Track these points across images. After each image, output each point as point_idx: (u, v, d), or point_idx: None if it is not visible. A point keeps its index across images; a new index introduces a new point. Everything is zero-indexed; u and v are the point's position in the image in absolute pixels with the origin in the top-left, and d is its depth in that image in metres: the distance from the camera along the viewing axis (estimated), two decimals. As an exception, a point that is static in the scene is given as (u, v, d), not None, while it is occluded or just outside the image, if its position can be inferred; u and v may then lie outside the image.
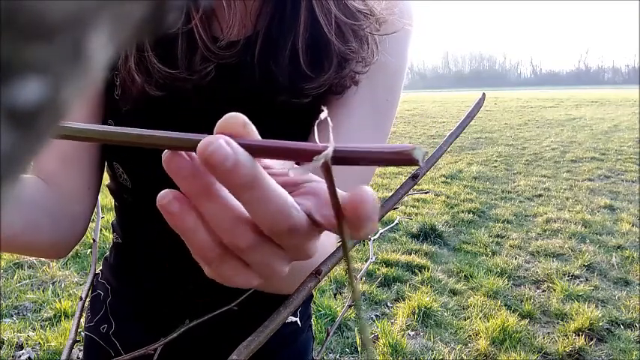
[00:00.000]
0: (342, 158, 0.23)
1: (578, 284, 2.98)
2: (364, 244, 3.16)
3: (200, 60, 0.54)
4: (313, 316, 2.36)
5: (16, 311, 2.47)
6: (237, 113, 0.24)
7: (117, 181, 0.63)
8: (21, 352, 2.13)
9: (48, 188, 0.55)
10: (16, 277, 2.77)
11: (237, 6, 0.55)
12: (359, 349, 2.28)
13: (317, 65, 0.56)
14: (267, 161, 0.27)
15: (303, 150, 0.23)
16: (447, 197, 4.82)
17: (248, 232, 0.25)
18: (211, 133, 0.24)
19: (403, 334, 2.40)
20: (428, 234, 3.69)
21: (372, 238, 0.96)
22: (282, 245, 0.27)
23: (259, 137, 0.25)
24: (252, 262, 0.27)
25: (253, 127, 0.24)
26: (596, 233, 3.85)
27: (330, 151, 0.22)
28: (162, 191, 0.25)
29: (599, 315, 2.57)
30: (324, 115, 0.24)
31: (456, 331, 2.47)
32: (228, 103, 0.58)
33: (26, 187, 0.53)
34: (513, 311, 2.65)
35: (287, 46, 0.55)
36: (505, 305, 2.72)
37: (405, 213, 4.21)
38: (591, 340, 2.39)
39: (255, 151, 0.24)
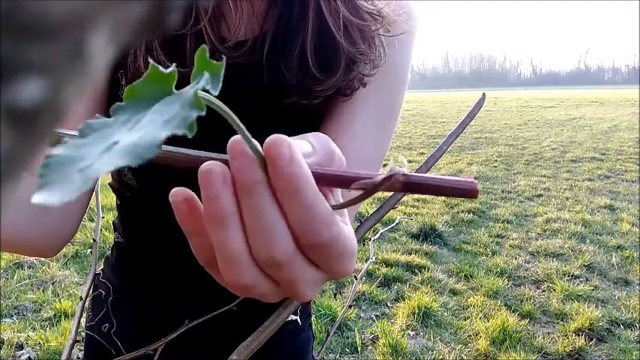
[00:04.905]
0: (413, 184, 0.24)
1: (578, 284, 2.98)
2: (364, 244, 3.17)
3: None
4: (313, 315, 2.36)
5: (16, 311, 2.47)
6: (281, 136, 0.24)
7: (120, 180, 0.63)
8: (21, 352, 2.13)
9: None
10: (16, 277, 2.77)
11: (243, 7, 0.55)
12: (359, 349, 2.28)
13: (326, 67, 0.56)
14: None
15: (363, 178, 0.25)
16: (447, 197, 4.81)
17: (289, 240, 0.25)
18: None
19: (403, 334, 2.40)
20: (428, 234, 3.69)
21: (372, 238, 0.98)
22: (317, 262, 0.26)
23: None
24: (280, 279, 0.26)
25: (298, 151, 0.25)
26: (596, 233, 3.85)
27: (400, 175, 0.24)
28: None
29: (599, 315, 2.57)
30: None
31: (456, 331, 2.47)
32: (236, 103, 0.58)
33: None
34: (513, 311, 2.65)
35: (295, 47, 0.55)
36: (505, 305, 2.72)
37: (405, 213, 4.21)
38: (591, 340, 2.39)
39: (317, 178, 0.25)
